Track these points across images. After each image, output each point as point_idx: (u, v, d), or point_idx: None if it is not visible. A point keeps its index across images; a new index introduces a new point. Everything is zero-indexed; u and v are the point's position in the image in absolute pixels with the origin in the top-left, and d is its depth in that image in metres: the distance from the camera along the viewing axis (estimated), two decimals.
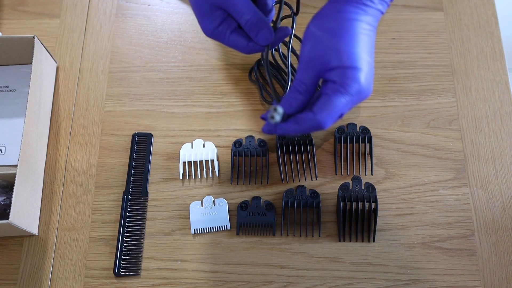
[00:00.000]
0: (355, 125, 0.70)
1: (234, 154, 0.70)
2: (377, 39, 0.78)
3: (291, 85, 0.57)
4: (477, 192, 0.69)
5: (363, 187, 0.67)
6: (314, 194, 0.68)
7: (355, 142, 0.69)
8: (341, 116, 0.52)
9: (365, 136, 0.69)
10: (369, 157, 0.70)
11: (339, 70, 0.51)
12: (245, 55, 0.77)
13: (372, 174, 0.69)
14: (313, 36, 0.52)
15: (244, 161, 0.70)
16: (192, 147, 0.72)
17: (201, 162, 0.72)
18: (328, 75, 0.52)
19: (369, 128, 0.71)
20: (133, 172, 0.71)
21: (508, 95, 0.74)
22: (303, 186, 0.68)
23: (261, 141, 0.71)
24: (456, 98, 0.74)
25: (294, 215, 0.67)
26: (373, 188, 0.66)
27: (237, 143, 0.71)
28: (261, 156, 0.70)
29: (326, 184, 0.70)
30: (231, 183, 0.70)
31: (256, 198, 0.68)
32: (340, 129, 0.70)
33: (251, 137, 0.71)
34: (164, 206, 0.70)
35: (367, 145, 0.70)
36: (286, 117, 0.53)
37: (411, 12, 0.79)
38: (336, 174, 0.69)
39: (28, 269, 0.67)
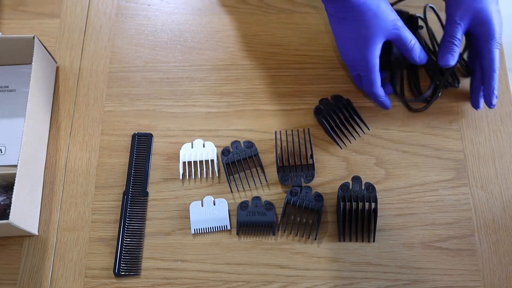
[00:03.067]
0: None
1: (225, 163, 0.70)
2: None
3: (447, 42, 0.67)
4: (477, 192, 0.69)
5: (363, 187, 0.67)
6: (319, 197, 0.67)
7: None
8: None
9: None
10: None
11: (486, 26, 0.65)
12: (246, 56, 0.77)
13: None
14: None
15: (238, 165, 0.70)
16: (192, 147, 0.72)
17: (201, 162, 0.72)
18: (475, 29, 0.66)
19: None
20: (133, 172, 0.71)
21: (508, 95, 0.74)
22: (309, 187, 0.68)
23: (247, 143, 0.71)
24: (456, 98, 0.74)
25: (295, 214, 0.67)
26: (373, 188, 0.66)
27: (225, 152, 0.70)
28: (252, 156, 0.70)
29: (326, 184, 0.70)
30: (231, 192, 0.70)
31: (256, 198, 0.68)
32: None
33: (237, 141, 0.71)
34: (164, 206, 0.70)
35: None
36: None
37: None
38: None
39: (28, 269, 0.67)
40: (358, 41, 0.65)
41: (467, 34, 0.69)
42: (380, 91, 0.68)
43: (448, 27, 0.67)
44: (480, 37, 0.66)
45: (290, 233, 0.67)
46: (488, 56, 0.66)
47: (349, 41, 0.66)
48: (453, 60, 0.67)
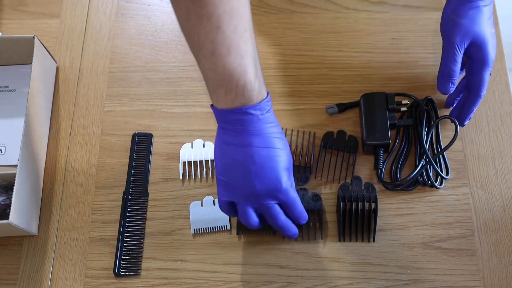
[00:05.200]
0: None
1: None
2: (377, 39, 0.78)
3: (446, 68, 0.66)
4: (477, 192, 0.69)
5: (363, 187, 0.67)
6: (316, 197, 0.67)
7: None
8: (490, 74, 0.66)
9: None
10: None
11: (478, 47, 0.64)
12: None
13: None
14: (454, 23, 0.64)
15: None
16: (192, 147, 0.72)
17: (201, 162, 0.71)
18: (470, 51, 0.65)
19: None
20: (133, 172, 0.71)
21: (508, 95, 0.74)
22: (305, 189, 0.68)
23: None
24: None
25: None
26: (373, 188, 0.66)
27: None
28: None
29: (326, 184, 0.70)
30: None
31: None
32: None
33: None
34: (164, 206, 0.70)
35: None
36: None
37: (411, 12, 0.79)
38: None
39: (28, 269, 0.67)
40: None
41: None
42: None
43: (447, 51, 0.65)
44: (474, 60, 0.65)
45: (302, 238, 0.67)
46: (478, 81, 0.65)
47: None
48: (452, 88, 0.66)
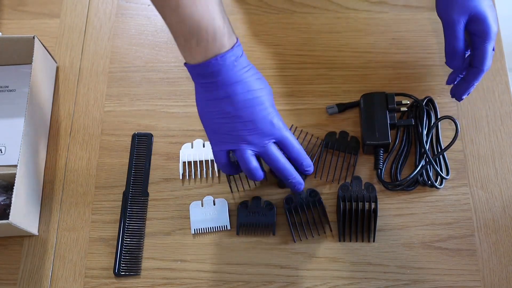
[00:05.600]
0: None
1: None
2: (377, 39, 0.78)
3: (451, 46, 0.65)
4: (477, 192, 0.69)
5: (363, 187, 0.67)
6: (313, 193, 0.68)
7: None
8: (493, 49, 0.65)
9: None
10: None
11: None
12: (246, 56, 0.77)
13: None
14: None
15: (237, 165, 0.70)
16: (192, 147, 0.72)
17: (201, 162, 0.71)
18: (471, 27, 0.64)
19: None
20: (133, 172, 0.71)
21: (508, 95, 0.74)
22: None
23: None
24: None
25: (301, 218, 0.67)
26: (373, 188, 0.66)
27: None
28: None
29: (326, 184, 0.70)
30: (231, 192, 0.70)
31: (256, 198, 0.68)
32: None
33: None
34: (164, 206, 0.70)
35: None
36: None
37: (411, 12, 0.79)
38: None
39: (28, 269, 0.67)
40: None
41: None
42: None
43: (447, 30, 0.65)
44: (476, 35, 0.65)
45: (306, 238, 0.67)
46: (480, 55, 0.64)
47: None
48: (460, 64, 0.66)
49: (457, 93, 0.67)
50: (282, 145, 0.61)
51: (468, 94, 0.67)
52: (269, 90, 0.60)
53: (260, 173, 0.62)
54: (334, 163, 0.70)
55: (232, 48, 0.56)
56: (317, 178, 0.70)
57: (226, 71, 0.56)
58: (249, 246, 0.67)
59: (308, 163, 0.63)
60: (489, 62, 0.64)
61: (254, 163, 0.61)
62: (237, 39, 0.58)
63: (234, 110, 0.58)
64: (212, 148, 0.62)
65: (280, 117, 0.61)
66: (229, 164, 0.62)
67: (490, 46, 0.64)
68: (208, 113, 0.59)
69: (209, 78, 0.57)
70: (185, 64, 0.58)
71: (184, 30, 0.54)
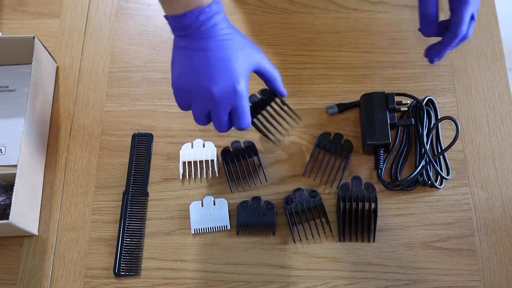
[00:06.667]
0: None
1: (225, 162, 0.69)
2: (377, 39, 0.78)
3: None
4: (477, 192, 0.69)
5: (363, 187, 0.67)
6: (313, 193, 0.68)
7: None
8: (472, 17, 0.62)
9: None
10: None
11: None
12: None
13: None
14: None
15: (238, 165, 0.70)
16: (192, 147, 0.72)
17: (201, 162, 0.71)
18: None
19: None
20: (133, 172, 0.71)
21: (508, 95, 0.74)
22: (300, 189, 0.68)
23: (247, 143, 0.71)
24: (456, 98, 0.74)
25: (301, 218, 0.67)
26: (373, 188, 0.66)
27: (225, 151, 0.70)
28: (252, 157, 0.70)
29: (323, 184, 0.70)
30: (231, 192, 0.70)
31: (256, 198, 0.68)
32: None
33: (237, 141, 0.71)
34: (164, 206, 0.70)
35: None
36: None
37: (411, 12, 0.79)
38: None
39: (28, 269, 0.67)
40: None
41: None
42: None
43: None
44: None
45: (306, 238, 0.67)
46: (456, 19, 0.61)
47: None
48: (433, 31, 0.64)
49: (430, 55, 0.65)
50: (234, 111, 0.59)
51: (440, 58, 0.64)
52: (246, 54, 0.59)
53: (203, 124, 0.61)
54: (324, 164, 0.70)
55: (209, 4, 0.56)
56: (306, 176, 0.70)
57: (202, 24, 0.56)
58: (249, 246, 0.67)
59: (247, 124, 0.61)
60: (464, 27, 0.62)
61: (205, 121, 0.61)
62: None
63: (204, 65, 0.57)
64: (176, 100, 0.61)
65: (246, 83, 0.59)
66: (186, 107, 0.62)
67: (467, 10, 0.61)
68: (180, 62, 0.59)
69: (186, 30, 0.57)
70: (165, 16, 0.58)
71: None
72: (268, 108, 0.65)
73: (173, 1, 0.56)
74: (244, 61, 0.58)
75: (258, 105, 0.65)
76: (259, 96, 0.65)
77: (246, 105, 0.59)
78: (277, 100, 0.65)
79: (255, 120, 0.65)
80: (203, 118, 0.60)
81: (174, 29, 0.58)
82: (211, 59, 0.57)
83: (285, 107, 0.66)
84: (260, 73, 0.62)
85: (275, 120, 0.66)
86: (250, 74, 0.59)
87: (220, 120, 0.59)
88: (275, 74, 0.62)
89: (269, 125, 0.66)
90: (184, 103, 0.60)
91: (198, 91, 0.58)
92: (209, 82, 0.57)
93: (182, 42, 0.58)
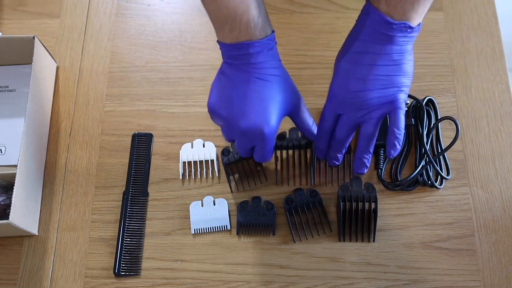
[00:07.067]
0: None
1: (225, 163, 0.69)
2: None
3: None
4: (477, 192, 0.69)
5: (363, 187, 0.67)
6: (313, 193, 0.68)
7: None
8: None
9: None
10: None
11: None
12: None
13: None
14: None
15: (237, 165, 0.70)
16: (192, 147, 0.72)
17: (201, 162, 0.72)
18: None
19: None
20: (133, 172, 0.71)
21: (508, 95, 0.74)
22: (300, 189, 0.68)
23: None
24: (456, 98, 0.74)
25: (301, 219, 0.67)
26: (373, 188, 0.66)
27: (225, 151, 0.69)
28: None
29: (325, 184, 0.70)
30: (231, 192, 0.70)
31: (256, 198, 0.68)
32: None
33: None
34: (164, 206, 0.70)
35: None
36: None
37: None
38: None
39: (28, 269, 0.67)
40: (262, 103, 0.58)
41: None
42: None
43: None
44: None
45: (306, 238, 0.67)
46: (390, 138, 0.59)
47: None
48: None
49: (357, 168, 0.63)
50: (258, 146, 0.61)
51: (366, 168, 0.62)
52: (286, 94, 0.59)
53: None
54: (324, 163, 0.70)
55: (261, 39, 0.57)
56: (309, 176, 0.70)
57: (250, 58, 0.57)
58: (249, 246, 0.67)
59: (266, 160, 0.63)
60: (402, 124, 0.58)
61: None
62: (272, 32, 0.58)
63: (240, 99, 0.58)
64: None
65: (278, 121, 0.59)
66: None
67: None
68: (221, 88, 0.59)
69: (234, 60, 0.58)
70: (218, 41, 0.59)
71: (219, 17, 0.56)
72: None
73: (225, 30, 0.56)
74: (280, 105, 0.59)
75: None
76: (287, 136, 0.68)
77: (267, 146, 0.60)
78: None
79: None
80: (229, 139, 0.62)
81: (224, 55, 0.59)
82: (248, 97, 0.57)
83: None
84: (293, 118, 0.63)
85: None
86: (283, 117, 0.60)
87: (241, 149, 0.62)
88: (309, 122, 0.64)
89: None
90: (215, 121, 0.62)
91: (227, 120, 0.59)
92: (239, 116, 0.58)
93: (228, 69, 0.58)
